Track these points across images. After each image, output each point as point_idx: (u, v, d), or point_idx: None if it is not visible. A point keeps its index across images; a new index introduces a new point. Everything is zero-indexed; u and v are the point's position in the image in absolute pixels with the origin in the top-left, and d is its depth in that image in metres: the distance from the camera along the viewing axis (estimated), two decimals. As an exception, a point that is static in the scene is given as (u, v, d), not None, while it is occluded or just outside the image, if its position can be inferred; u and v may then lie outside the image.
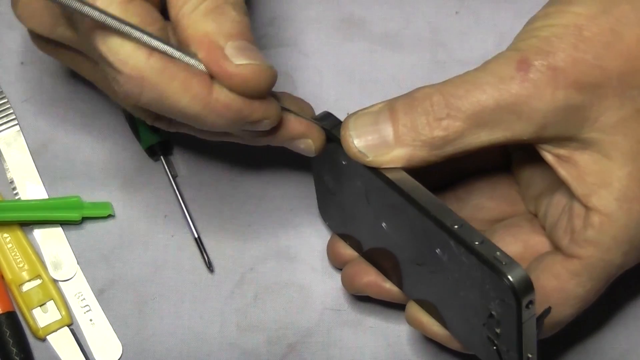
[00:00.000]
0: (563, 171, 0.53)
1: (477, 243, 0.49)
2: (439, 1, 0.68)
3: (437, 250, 0.51)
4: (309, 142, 0.55)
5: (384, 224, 0.55)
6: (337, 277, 0.63)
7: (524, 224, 0.58)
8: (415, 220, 0.52)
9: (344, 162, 0.54)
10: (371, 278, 0.58)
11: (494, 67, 0.52)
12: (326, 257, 0.63)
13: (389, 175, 0.52)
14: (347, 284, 0.60)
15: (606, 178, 0.52)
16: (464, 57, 0.67)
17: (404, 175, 0.53)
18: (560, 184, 0.56)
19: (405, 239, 0.54)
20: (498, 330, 0.50)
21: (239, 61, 0.50)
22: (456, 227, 0.50)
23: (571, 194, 0.54)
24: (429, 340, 0.61)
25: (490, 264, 0.48)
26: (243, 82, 0.50)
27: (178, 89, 0.49)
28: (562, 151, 0.52)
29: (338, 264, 0.61)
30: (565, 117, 0.51)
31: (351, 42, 0.67)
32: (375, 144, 0.52)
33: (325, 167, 0.57)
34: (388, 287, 0.58)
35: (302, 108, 0.56)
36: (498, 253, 0.48)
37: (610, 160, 0.52)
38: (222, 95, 0.50)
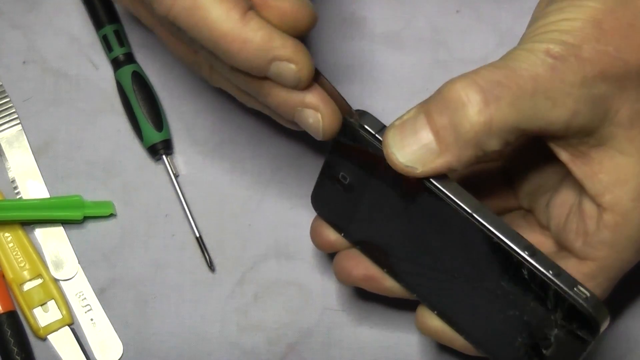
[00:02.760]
0: (577, 170, 0.52)
1: (553, 273, 0.49)
2: (439, 0, 0.68)
3: (498, 273, 0.51)
4: (318, 118, 0.52)
5: (420, 232, 0.53)
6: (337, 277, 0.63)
7: (520, 222, 0.58)
8: (477, 241, 0.51)
9: (388, 172, 0.52)
10: (370, 272, 0.56)
11: (522, 56, 0.50)
12: (326, 257, 0.63)
13: (445, 188, 0.51)
14: (342, 275, 0.57)
15: (621, 175, 0.51)
16: (465, 56, 0.67)
17: (459, 187, 0.51)
18: (560, 181, 0.55)
19: (450, 252, 0.53)
20: (546, 352, 0.51)
21: None
22: (527, 253, 0.50)
23: (579, 194, 0.53)
24: (429, 341, 0.61)
25: (572, 296, 0.49)
26: (280, 16, 0.49)
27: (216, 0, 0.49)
28: (580, 148, 0.51)
29: (322, 246, 0.58)
30: (593, 106, 0.50)
31: (352, 42, 0.67)
32: (421, 153, 0.50)
33: (350, 164, 0.54)
34: (388, 285, 0.56)
35: (340, 102, 0.54)
36: (579, 286, 0.49)
37: (626, 156, 0.51)
38: (254, 19, 0.49)
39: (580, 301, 0.49)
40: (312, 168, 0.64)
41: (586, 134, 0.51)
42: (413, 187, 0.52)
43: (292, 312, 0.63)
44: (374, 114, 0.65)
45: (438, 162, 0.50)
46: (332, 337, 0.62)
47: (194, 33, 0.50)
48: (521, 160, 0.58)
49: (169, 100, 0.66)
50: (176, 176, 0.65)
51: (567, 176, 0.55)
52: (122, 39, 0.66)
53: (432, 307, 0.55)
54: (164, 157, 0.65)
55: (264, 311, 0.63)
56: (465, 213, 0.51)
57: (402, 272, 0.56)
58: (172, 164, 0.65)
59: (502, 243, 0.50)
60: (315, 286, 0.63)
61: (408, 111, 0.51)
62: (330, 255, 0.63)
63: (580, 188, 0.53)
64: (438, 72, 0.67)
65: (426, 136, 0.50)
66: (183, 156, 0.65)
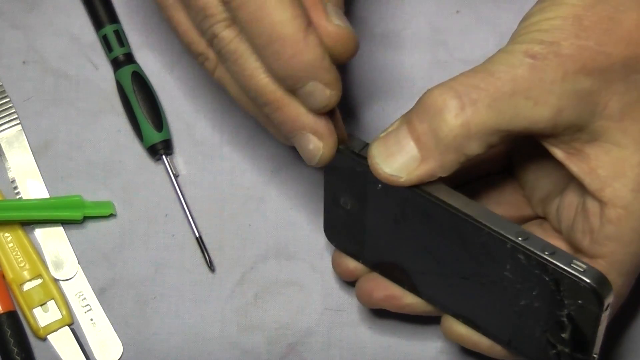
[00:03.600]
0: (574, 167, 0.52)
1: (548, 253, 0.49)
2: (439, 1, 0.68)
3: (499, 264, 0.51)
4: (319, 146, 0.53)
5: (423, 241, 0.54)
6: (337, 277, 0.63)
7: (536, 230, 0.58)
8: (472, 236, 0.51)
9: (379, 186, 0.53)
10: (390, 292, 0.57)
11: (501, 59, 0.51)
12: (326, 257, 0.63)
13: (433, 192, 0.52)
14: (363, 298, 0.59)
15: (619, 168, 0.51)
16: (465, 57, 0.67)
17: (448, 189, 0.52)
18: (567, 184, 0.55)
19: (453, 254, 0.53)
20: (565, 335, 0.51)
21: (336, 21, 0.51)
22: (521, 239, 0.50)
23: (582, 193, 0.53)
24: (429, 341, 0.61)
25: (569, 272, 0.49)
26: (333, 40, 0.50)
27: (285, 1, 0.49)
28: (573, 144, 0.52)
29: (346, 277, 0.60)
30: (578, 101, 0.50)
31: (352, 42, 0.67)
32: (403, 162, 0.51)
33: (345, 188, 0.55)
34: (409, 302, 0.57)
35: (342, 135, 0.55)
36: (575, 261, 0.49)
37: (622, 148, 0.51)
38: (314, 35, 0.50)
39: (579, 275, 0.49)
40: (312, 168, 0.64)
41: (577, 130, 0.51)
42: (405, 198, 0.52)
43: (292, 312, 0.63)
44: (374, 115, 0.66)
45: (421, 169, 0.51)
46: (332, 337, 0.62)
47: (251, 24, 0.50)
48: (530, 169, 0.58)
49: (169, 100, 0.66)
50: (176, 176, 0.65)
51: (572, 178, 0.55)
52: (122, 39, 0.66)
53: (455, 315, 0.56)
54: (164, 157, 0.65)
55: (264, 311, 0.63)
56: (455, 211, 0.51)
57: (419, 284, 0.56)
58: (172, 164, 0.65)
59: (493, 232, 0.50)
60: (315, 286, 0.63)
61: (392, 123, 0.52)
62: (330, 255, 0.63)
63: (582, 187, 0.53)
64: (438, 72, 0.67)
65: (409, 144, 0.51)
66: (183, 156, 0.65)
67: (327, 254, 0.63)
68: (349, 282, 0.61)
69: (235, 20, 0.51)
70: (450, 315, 0.56)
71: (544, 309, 0.51)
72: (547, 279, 0.50)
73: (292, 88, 0.51)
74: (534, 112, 0.50)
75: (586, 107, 0.51)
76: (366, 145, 0.53)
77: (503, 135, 0.51)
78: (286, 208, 0.64)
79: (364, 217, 0.55)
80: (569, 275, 0.49)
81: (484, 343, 0.55)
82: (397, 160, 0.51)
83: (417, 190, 0.52)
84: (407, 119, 0.52)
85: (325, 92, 0.51)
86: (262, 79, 0.52)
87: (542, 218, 0.59)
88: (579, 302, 0.49)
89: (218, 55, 0.53)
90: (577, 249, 0.54)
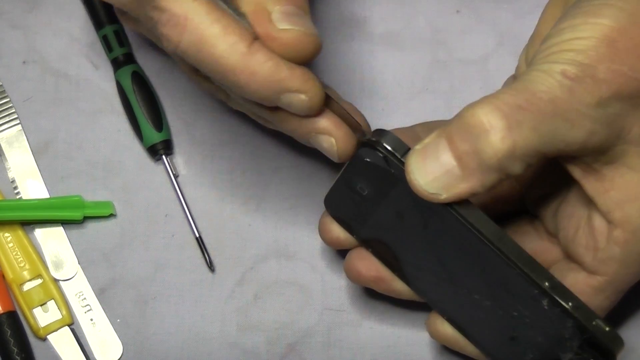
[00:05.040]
0: (589, 186, 0.52)
1: (571, 305, 0.50)
2: (439, 0, 0.68)
3: (516, 299, 0.52)
4: (332, 143, 0.53)
5: (437, 249, 0.54)
6: (337, 277, 0.63)
7: (527, 228, 0.58)
8: (496, 269, 0.52)
9: (409, 193, 0.52)
10: (380, 274, 0.57)
11: (540, 78, 0.50)
12: (326, 257, 0.63)
13: (466, 213, 0.51)
14: (352, 274, 0.57)
15: (632, 192, 0.52)
16: (465, 57, 0.67)
17: (480, 212, 0.51)
18: (568, 190, 0.56)
19: (466, 272, 0.53)
20: None
21: (282, 26, 0.50)
22: (548, 285, 0.51)
23: (589, 208, 0.54)
24: (430, 342, 0.61)
25: (591, 332, 0.50)
26: (284, 46, 0.50)
27: (218, 33, 0.49)
28: (592, 165, 0.52)
29: (330, 242, 0.58)
30: (608, 125, 0.50)
31: (352, 42, 0.67)
32: (444, 180, 0.50)
33: (369, 179, 0.54)
34: (397, 287, 0.57)
35: (354, 116, 0.55)
36: (597, 320, 0.50)
37: (637, 174, 0.51)
38: (261, 52, 0.50)
39: (599, 335, 0.50)
40: (312, 168, 0.64)
41: (600, 152, 0.51)
42: (433, 210, 0.52)
43: (292, 312, 0.63)
44: (374, 114, 0.66)
45: (462, 188, 0.50)
46: (332, 337, 0.62)
47: (202, 67, 0.51)
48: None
49: (169, 100, 0.66)
50: (176, 176, 0.65)
51: (573, 187, 0.55)
52: (122, 39, 0.66)
53: (443, 314, 0.56)
54: (163, 157, 0.65)
55: (264, 311, 0.63)
56: (487, 241, 0.51)
57: (413, 278, 0.56)
58: (172, 164, 0.65)
59: (523, 275, 0.51)
60: (315, 286, 0.63)
61: (430, 135, 0.51)
62: (330, 255, 0.63)
63: (590, 202, 0.53)
64: (438, 72, 0.67)
65: (449, 161, 0.50)
66: (183, 156, 0.65)
67: (327, 254, 0.63)
68: (338, 250, 0.60)
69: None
70: (438, 313, 0.56)
71: (547, 346, 0.52)
72: (563, 327, 0.51)
73: (272, 105, 0.52)
74: (570, 134, 0.50)
75: (614, 131, 0.51)
76: (406, 150, 0.52)
77: (540, 157, 0.50)
78: (286, 208, 0.64)
79: (378, 206, 0.55)
80: (589, 332, 0.50)
81: (470, 348, 0.56)
82: (437, 178, 0.50)
83: (450, 208, 0.51)
84: (447, 134, 0.50)
85: (300, 98, 0.51)
86: (253, 105, 0.53)
87: (532, 215, 0.59)
88: (589, 354, 0.51)
89: None
90: (576, 261, 0.55)
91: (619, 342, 0.51)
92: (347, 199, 0.55)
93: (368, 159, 0.53)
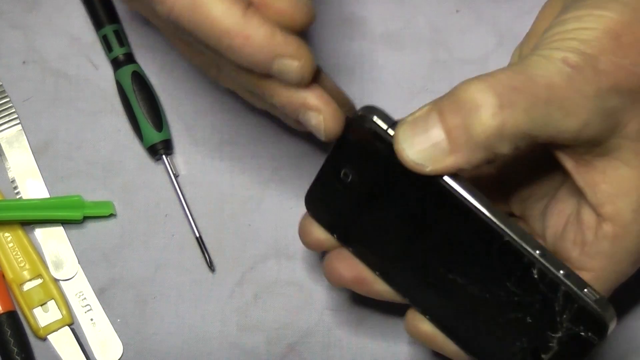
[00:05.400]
0: (580, 178, 0.52)
1: (563, 273, 0.49)
2: (439, 0, 0.68)
3: (505, 272, 0.51)
4: (320, 120, 0.52)
5: (421, 229, 0.53)
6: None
7: None
8: (486, 239, 0.51)
9: (395, 167, 0.51)
10: (360, 274, 0.56)
11: (539, 63, 0.50)
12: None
13: (455, 184, 0.51)
14: (331, 276, 0.56)
15: (624, 187, 0.51)
16: (465, 56, 0.67)
17: (469, 185, 0.51)
18: (557, 188, 0.55)
19: (456, 252, 0.52)
20: (545, 357, 0.51)
21: None
22: (539, 253, 0.50)
23: (578, 203, 0.53)
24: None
25: (583, 299, 0.49)
26: (278, 14, 0.50)
27: None
28: (585, 156, 0.51)
29: (310, 245, 0.57)
30: (605, 118, 0.50)
31: (352, 42, 0.67)
32: (430, 151, 0.50)
33: (355, 161, 0.53)
34: (378, 288, 0.56)
35: (342, 99, 0.54)
36: (589, 287, 0.49)
37: (631, 168, 0.51)
38: (255, 17, 0.50)
39: (591, 302, 0.49)
40: (312, 168, 0.64)
41: (594, 144, 0.51)
42: (421, 183, 0.51)
43: (292, 312, 0.63)
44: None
45: (448, 162, 0.50)
46: (332, 337, 0.62)
47: (196, 31, 0.50)
48: (515, 166, 0.58)
49: (169, 100, 0.66)
50: (176, 176, 0.65)
51: (565, 184, 0.55)
52: (122, 39, 0.66)
53: (424, 312, 0.55)
54: (163, 157, 0.65)
55: (264, 311, 0.63)
56: (476, 210, 0.50)
57: (394, 274, 0.55)
58: (172, 164, 0.65)
59: (513, 242, 0.50)
60: (315, 286, 0.63)
61: (420, 108, 0.51)
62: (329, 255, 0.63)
63: (579, 197, 0.53)
64: (438, 72, 0.67)
65: (437, 134, 0.50)
66: (183, 156, 0.65)
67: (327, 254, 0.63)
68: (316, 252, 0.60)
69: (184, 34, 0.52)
70: (418, 310, 0.55)
71: (536, 327, 0.51)
72: (553, 299, 0.49)
73: (265, 73, 0.51)
74: (564, 123, 0.49)
75: (610, 124, 0.50)
76: (394, 123, 0.51)
77: (531, 141, 0.50)
78: (286, 208, 0.64)
79: (363, 192, 0.54)
80: (580, 300, 0.49)
81: (449, 347, 0.54)
82: (424, 149, 0.50)
83: (438, 179, 0.51)
84: (438, 107, 0.50)
85: (293, 65, 0.51)
86: (244, 75, 0.52)
87: (517, 216, 0.58)
88: (580, 328, 0.49)
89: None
90: (564, 258, 0.54)
91: (610, 311, 0.49)
92: (330, 192, 0.55)
93: (356, 135, 0.52)
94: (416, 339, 0.56)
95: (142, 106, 0.65)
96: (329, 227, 0.56)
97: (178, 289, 0.63)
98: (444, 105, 0.50)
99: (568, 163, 0.52)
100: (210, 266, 0.63)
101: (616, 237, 0.51)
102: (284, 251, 0.64)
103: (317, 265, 0.63)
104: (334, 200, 0.55)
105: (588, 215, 0.52)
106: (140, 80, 0.66)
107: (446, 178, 0.51)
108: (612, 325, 0.49)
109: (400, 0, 0.68)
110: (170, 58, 0.67)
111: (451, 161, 0.50)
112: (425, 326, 0.55)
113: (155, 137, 0.65)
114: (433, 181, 0.51)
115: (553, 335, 0.50)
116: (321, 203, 0.56)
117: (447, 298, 0.53)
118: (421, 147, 0.50)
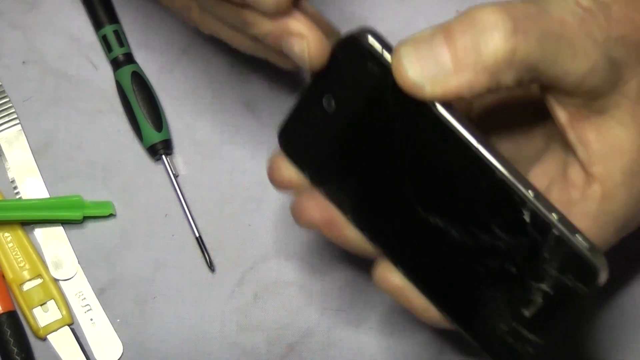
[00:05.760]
0: (572, 133, 0.50)
1: (555, 217, 0.46)
2: (439, 0, 0.68)
3: (492, 213, 0.47)
4: (303, 46, 0.49)
5: (406, 164, 0.49)
6: (337, 277, 0.63)
7: None
8: (477, 177, 0.47)
9: (387, 91, 0.48)
10: (330, 216, 0.52)
11: (553, 1, 0.49)
12: (326, 257, 0.63)
13: (452, 116, 0.47)
14: (299, 216, 0.53)
15: (616, 148, 0.50)
16: (465, 57, 0.67)
17: (468, 120, 0.48)
18: (543, 153, 0.54)
19: (441, 190, 0.49)
20: (527, 313, 0.47)
21: None
22: (532, 194, 0.46)
23: (564, 163, 0.52)
24: (430, 342, 0.61)
25: (574, 244, 0.46)
26: None
27: None
28: (581, 110, 0.49)
29: (279, 183, 0.53)
30: (609, 68, 0.49)
31: (352, 42, 0.67)
32: (432, 71, 0.47)
33: (340, 87, 0.50)
34: (348, 234, 0.52)
35: (328, 29, 0.52)
36: (580, 233, 0.46)
37: (625, 130, 0.50)
38: None
39: (582, 248, 0.46)
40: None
41: (593, 97, 0.49)
42: (411, 111, 0.48)
43: (292, 312, 0.63)
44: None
45: (449, 84, 0.47)
46: (332, 337, 0.62)
47: None
48: (497, 131, 0.55)
49: (169, 100, 0.66)
50: (176, 176, 0.65)
51: (550, 147, 0.53)
52: (121, 39, 0.66)
53: (395, 261, 0.51)
54: (163, 157, 0.65)
55: (264, 311, 0.63)
56: (469, 144, 0.47)
57: (368, 219, 0.51)
58: (172, 164, 0.65)
59: (506, 180, 0.47)
60: (315, 286, 0.63)
61: (424, 29, 0.48)
62: (330, 255, 0.63)
63: (565, 158, 0.51)
64: (438, 72, 0.66)
65: (442, 53, 0.47)
66: (183, 156, 0.65)
67: (327, 254, 0.63)
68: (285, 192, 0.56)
69: None
70: (390, 260, 0.51)
71: (519, 276, 0.47)
72: (543, 243, 0.46)
73: (242, 3, 0.49)
74: (572, 63, 0.48)
75: (612, 76, 0.49)
76: (389, 46, 0.48)
77: (535, 76, 0.48)
78: (286, 208, 0.64)
79: (342, 123, 0.50)
80: (571, 245, 0.46)
81: (418, 302, 0.51)
82: (426, 67, 0.47)
83: (432, 107, 0.47)
84: (446, 29, 0.48)
85: None
86: (223, 5, 0.51)
87: None
88: (568, 277, 0.46)
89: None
90: None
91: (602, 260, 0.46)
92: (306, 123, 0.51)
93: (345, 58, 0.49)
94: (384, 291, 0.52)
95: (142, 106, 0.65)
96: (301, 164, 0.52)
97: (178, 289, 0.63)
98: (454, 25, 0.48)
99: (562, 115, 0.50)
100: (210, 266, 0.63)
101: (604, 198, 0.50)
102: (284, 251, 0.64)
103: (317, 265, 0.63)
104: (310, 132, 0.51)
105: (576, 174, 0.51)
106: (139, 80, 0.66)
107: (440, 107, 0.48)
108: (603, 276, 0.46)
109: (400, 0, 0.68)
110: (170, 58, 0.67)
111: (453, 84, 0.47)
112: (396, 278, 0.51)
113: (155, 137, 0.65)
114: (426, 109, 0.48)
115: (538, 285, 0.47)
116: (295, 135, 0.52)
117: (422, 245, 0.50)
118: (423, 65, 0.47)
